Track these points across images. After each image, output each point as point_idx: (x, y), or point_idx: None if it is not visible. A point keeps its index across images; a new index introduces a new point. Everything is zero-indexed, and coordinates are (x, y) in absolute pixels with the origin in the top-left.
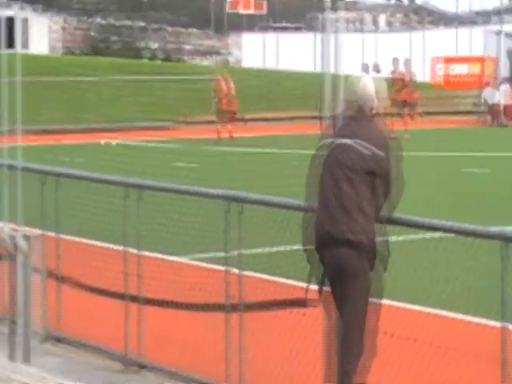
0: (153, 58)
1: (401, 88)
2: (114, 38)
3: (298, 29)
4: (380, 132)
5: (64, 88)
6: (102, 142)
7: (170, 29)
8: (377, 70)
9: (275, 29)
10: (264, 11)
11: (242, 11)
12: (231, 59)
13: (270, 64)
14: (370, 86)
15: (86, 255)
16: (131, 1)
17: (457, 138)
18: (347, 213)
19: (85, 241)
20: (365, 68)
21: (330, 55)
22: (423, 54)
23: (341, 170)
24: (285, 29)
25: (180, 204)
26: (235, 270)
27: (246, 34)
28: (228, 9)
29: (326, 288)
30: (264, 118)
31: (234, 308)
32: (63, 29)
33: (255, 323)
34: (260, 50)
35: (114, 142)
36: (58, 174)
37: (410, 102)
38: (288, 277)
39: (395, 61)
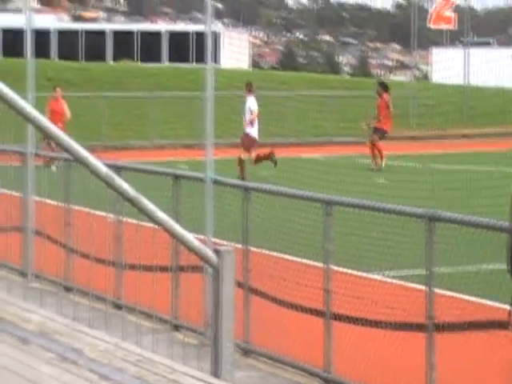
0: (350, 73)
1: None
2: (309, 53)
3: (487, 44)
4: None
5: (261, 102)
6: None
7: (370, 44)
8: None
9: (467, 43)
10: (454, 26)
11: (434, 26)
12: (417, 74)
13: (459, 79)
14: None
15: (278, 269)
16: (331, 16)
17: None
18: None
19: (276, 254)
20: None
21: None
22: None
23: None
24: (477, 44)
25: (376, 221)
26: (429, 289)
27: (437, 49)
28: (429, 24)
29: None
30: (464, 135)
31: (436, 327)
32: (263, 43)
33: (450, 343)
34: (450, 65)
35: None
36: (247, 188)
37: None
38: (486, 297)
39: None
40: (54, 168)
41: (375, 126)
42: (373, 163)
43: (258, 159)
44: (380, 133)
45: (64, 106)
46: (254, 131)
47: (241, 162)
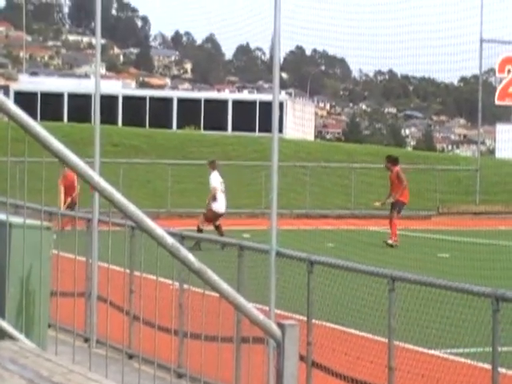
0: (413, 145)
1: None
2: (373, 124)
3: None
4: None
5: (321, 174)
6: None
7: (435, 117)
8: None
9: None
10: None
11: (497, 102)
12: (483, 149)
13: None
14: None
15: (340, 343)
16: (396, 88)
17: None
18: None
19: (338, 328)
20: None
21: None
22: None
23: None
24: None
25: (439, 299)
26: (496, 369)
27: (501, 125)
28: (497, 100)
29: None
30: None
31: None
32: (327, 114)
33: None
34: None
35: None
36: (311, 261)
37: None
38: None
39: None
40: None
41: (393, 202)
42: (391, 239)
43: (218, 229)
44: (398, 206)
45: (75, 181)
46: (215, 205)
47: (199, 230)
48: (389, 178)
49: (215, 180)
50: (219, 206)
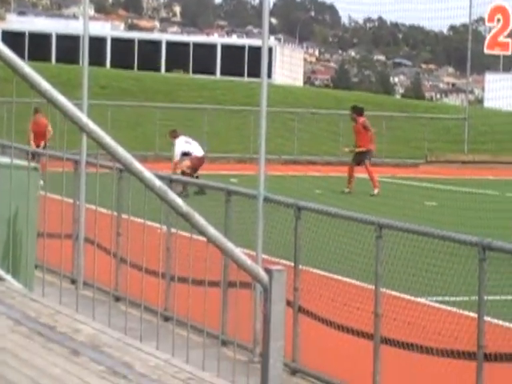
0: (401, 94)
1: None
2: (363, 72)
3: None
4: None
5: (310, 120)
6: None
7: (424, 66)
8: None
9: None
10: (509, 52)
11: (490, 51)
12: (472, 98)
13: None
14: None
15: (327, 289)
16: (385, 37)
17: None
18: None
19: (325, 274)
20: None
21: None
22: None
23: None
24: None
25: (426, 246)
26: (481, 317)
27: (490, 75)
28: (486, 49)
29: None
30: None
31: (486, 357)
32: (316, 61)
33: (500, 373)
34: (504, 91)
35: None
36: (300, 208)
37: None
38: None
39: None
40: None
41: (358, 152)
42: (348, 186)
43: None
44: (369, 155)
45: (47, 125)
46: (189, 160)
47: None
48: (353, 128)
49: (178, 147)
50: (196, 152)
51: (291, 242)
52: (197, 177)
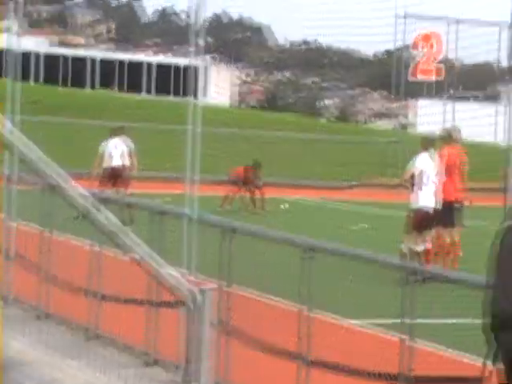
0: (331, 117)
1: None
2: (294, 94)
3: (476, 98)
4: None
5: (241, 140)
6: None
7: (356, 89)
8: None
9: (452, 97)
10: (440, 78)
11: (419, 77)
12: (403, 122)
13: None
14: None
15: (257, 310)
16: (315, 59)
17: None
18: None
19: (255, 295)
20: None
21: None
22: None
23: None
24: (463, 98)
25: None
26: (407, 340)
27: (422, 100)
28: (410, 76)
29: (500, 367)
30: None
31: (407, 380)
32: (249, 81)
33: None
34: (436, 117)
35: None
36: (234, 230)
37: None
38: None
39: None
40: None
41: None
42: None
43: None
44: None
45: None
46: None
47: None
48: None
49: (106, 148)
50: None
51: (222, 262)
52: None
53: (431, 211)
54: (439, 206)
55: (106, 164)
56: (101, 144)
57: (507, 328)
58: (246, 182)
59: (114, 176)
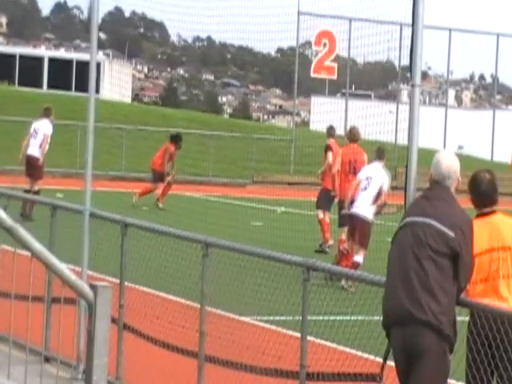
0: (228, 113)
1: None
2: (191, 90)
3: (370, 97)
4: (461, 212)
5: (137, 137)
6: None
7: (252, 87)
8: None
9: (346, 94)
10: (335, 76)
11: (316, 75)
12: (300, 120)
13: (340, 129)
14: (455, 164)
15: (153, 307)
16: (214, 56)
17: None
18: (431, 294)
19: (150, 291)
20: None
21: (414, 127)
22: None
23: (424, 249)
24: (357, 95)
25: (252, 266)
26: (305, 337)
27: (317, 98)
28: (308, 73)
29: (390, 364)
30: None
31: (303, 376)
32: (145, 78)
33: None
34: (330, 115)
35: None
36: (127, 224)
37: None
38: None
39: None
40: None
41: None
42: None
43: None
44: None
45: None
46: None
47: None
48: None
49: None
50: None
51: (117, 258)
52: (36, 192)
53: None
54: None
55: (24, 151)
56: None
57: (396, 325)
58: (161, 177)
59: (28, 167)
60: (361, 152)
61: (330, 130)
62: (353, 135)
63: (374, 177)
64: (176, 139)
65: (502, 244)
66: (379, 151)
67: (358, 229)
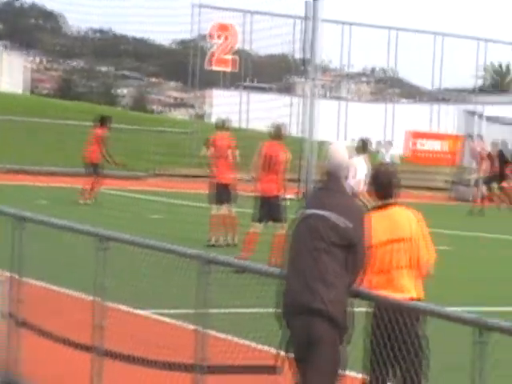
0: (126, 106)
1: None
2: (88, 82)
3: (270, 89)
4: (354, 203)
5: (38, 129)
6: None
7: (149, 79)
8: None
9: (246, 87)
10: (234, 69)
11: (214, 68)
12: (200, 113)
13: (241, 122)
14: (345, 155)
15: (51, 301)
16: (110, 48)
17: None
18: (324, 284)
19: (47, 286)
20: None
21: (313, 119)
22: (393, 126)
23: (317, 241)
24: (257, 88)
25: (151, 259)
26: (202, 330)
27: (217, 91)
28: (207, 65)
29: (291, 355)
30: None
31: (201, 369)
32: (41, 69)
33: None
34: (230, 107)
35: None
36: (24, 218)
37: None
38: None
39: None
40: None
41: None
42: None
43: None
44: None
45: None
46: None
47: None
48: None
49: None
50: None
51: (14, 252)
52: None
53: None
54: None
55: None
56: None
57: (293, 315)
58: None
59: None
60: (280, 149)
61: (222, 123)
62: (274, 132)
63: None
64: (104, 121)
65: (398, 236)
66: (361, 144)
67: None
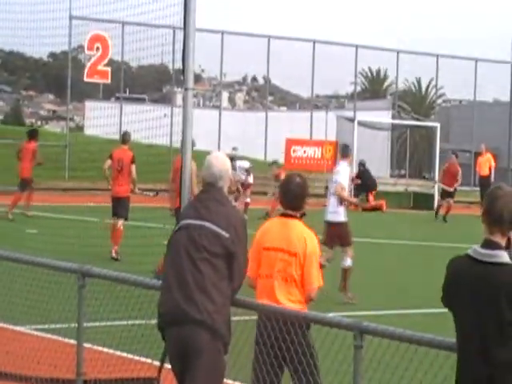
0: (4, 120)
1: None
2: None
3: (143, 100)
4: (234, 212)
5: None
6: None
7: (24, 92)
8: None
9: (123, 99)
10: (109, 80)
11: (90, 79)
12: (72, 125)
13: (114, 134)
14: (226, 164)
15: None
16: None
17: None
18: (204, 294)
19: None
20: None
21: (187, 129)
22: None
23: (199, 251)
24: (131, 99)
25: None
26: (79, 344)
27: (92, 102)
28: (84, 77)
29: (168, 366)
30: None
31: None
32: None
33: None
34: (106, 120)
35: None
36: None
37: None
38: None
39: None
40: None
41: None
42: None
43: None
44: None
45: None
46: None
47: None
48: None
49: None
50: None
51: None
52: None
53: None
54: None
55: None
56: None
57: (171, 326)
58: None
59: None
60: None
61: (122, 137)
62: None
63: (335, 178)
64: (34, 134)
65: (289, 249)
66: (342, 149)
67: (337, 234)
